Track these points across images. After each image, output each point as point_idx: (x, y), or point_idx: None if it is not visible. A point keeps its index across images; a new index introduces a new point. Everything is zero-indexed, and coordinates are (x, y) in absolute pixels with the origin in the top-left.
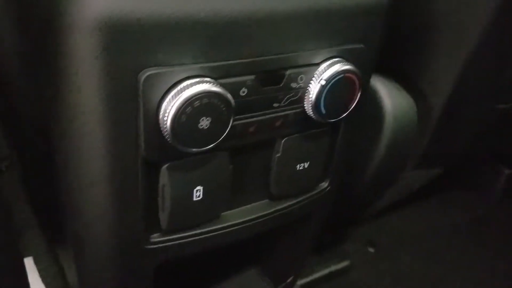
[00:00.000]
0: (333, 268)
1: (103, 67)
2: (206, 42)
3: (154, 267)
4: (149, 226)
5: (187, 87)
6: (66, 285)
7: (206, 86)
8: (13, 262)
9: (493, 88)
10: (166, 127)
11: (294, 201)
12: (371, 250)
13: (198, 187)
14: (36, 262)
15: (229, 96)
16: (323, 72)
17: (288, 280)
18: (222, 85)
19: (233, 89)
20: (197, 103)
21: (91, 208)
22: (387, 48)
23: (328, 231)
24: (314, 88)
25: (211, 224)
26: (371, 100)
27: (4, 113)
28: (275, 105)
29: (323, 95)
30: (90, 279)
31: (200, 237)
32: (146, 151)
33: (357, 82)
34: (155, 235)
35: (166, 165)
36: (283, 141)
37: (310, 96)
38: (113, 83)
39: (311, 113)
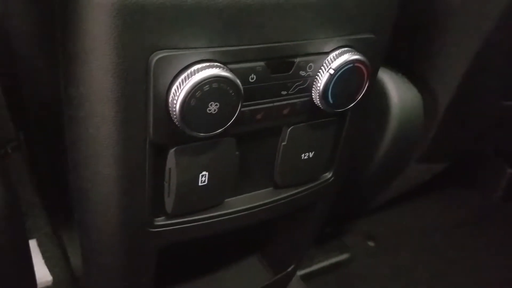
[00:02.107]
0: (333, 260)
1: (115, 48)
2: (218, 26)
3: (158, 250)
4: (154, 209)
5: (198, 71)
6: (69, 268)
7: (216, 70)
8: (18, 244)
9: (501, 84)
10: (175, 110)
11: (298, 191)
12: (371, 244)
13: (204, 172)
14: (40, 244)
15: (238, 81)
16: (332, 61)
17: (288, 269)
18: (231, 71)
19: (243, 75)
20: (206, 87)
21: (98, 189)
22: (395, 40)
23: (328, 224)
24: (322, 77)
25: (215, 210)
26: (378, 92)
27: (12, 95)
28: (283, 92)
29: (331, 84)
30: (94, 260)
31: (204, 222)
32: (154, 134)
33: (365, 72)
34: (160, 218)
35: (173, 149)
36: (289, 129)
37: (319, 84)
38: (125, 64)
39: (319, 102)
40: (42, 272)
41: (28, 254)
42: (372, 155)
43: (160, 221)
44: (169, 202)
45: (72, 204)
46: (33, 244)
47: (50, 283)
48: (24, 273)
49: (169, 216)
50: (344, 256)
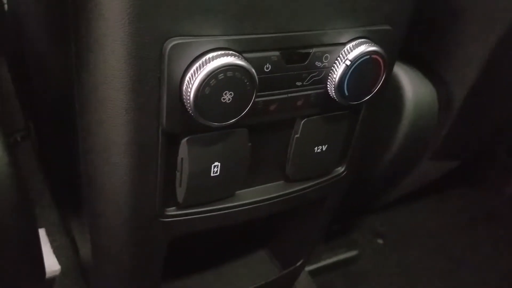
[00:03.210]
0: (342, 256)
1: (129, 35)
2: (234, 14)
3: (168, 240)
4: (166, 199)
5: (212, 59)
6: (78, 257)
7: (231, 59)
8: (28, 233)
9: None
10: (189, 98)
11: (309, 184)
12: (380, 241)
13: (216, 163)
14: (48, 234)
15: (253, 70)
16: (349, 52)
17: (297, 264)
18: (246, 59)
19: (258, 64)
20: (221, 76)
21: (109, 178)
22: (411, 33)
23: (337, 220)
24: (338, 68)
25: (226, 201)
26: (392, 87)
27: (21, 84)
28: (298, 83)
29: (347, 76)
30: (103, 250)
31: (215, 213)
32: (167, 123)
33: (382, 64)
34: (171, 208)
35: (186, 139)
36: (302, 121)
37: (334, 76)
38: (138, 51)
39: (334, 94)
40: (50, 261)
41: (37, 243)
42: (385, 150)
43: (171, 211)
44: (180, 192)
45: (82, 193)
46: (41, 233)
47: (58, 272)
48: (34, 261)
49: (180, 207)
50: (352, 253)
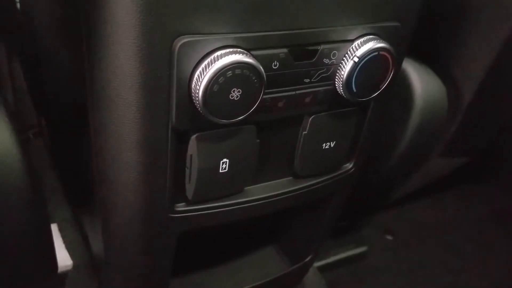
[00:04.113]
0: (350, 252)
1: (139, 33)
2: (242, 12)
3: (178, 236)
4: (175, 195)
5: (221, 56)
6: (90, 253)
7: (239, 56)
8: (41, 228)
9: None
10: (197, 96)
11: (318, 181)
12: (389, 238)
13: (225, 159)
14: (61, 229)
15: (261, 68)
16: (357, 49)
17: (306, 260)
18: (255, 57)
19: (266, 61)
20: (229, 73)
21: (120, 174)
22: (420, 30)
23: (346, 217)
24: (346, 65)
25: (235, 197)
26: (401, 83)
27: (33, 81)
28: (306, 80)
29: (355, 72)
30: (115, 245)
31: (224, 209)
32: (176, 120)
33: (390, 61)
34: (181, 204)
35: (195, 135)
36: (310, 118)
37: (342, 73)
38: (148, 49)
39: (342, 91)
40: (62, 256)
41: (50, 238)
42: (393, 147)
43: (180, 207)
44: (190, 188)
45: (94, 189)
46: (54, 228)
47: (70, 267)
48: (46, 256)
49: (189, 202)
50: (361, 249)
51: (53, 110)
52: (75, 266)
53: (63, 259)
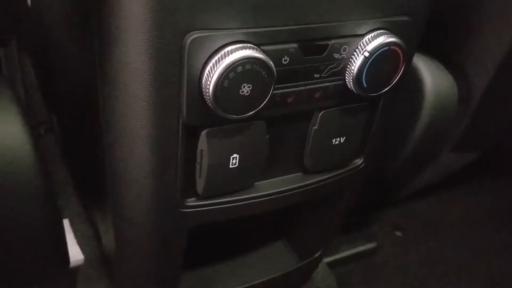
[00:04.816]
0: (360, 248)
1: (150, 28)
2: (252, 7)
3: (188, 230)
4: (186, 190)
5: (231, 52)
6: (101, 248)
7: (249, 52)
8: (53, 223)
9: None
10: (208, 91)
11: (327, 176)
12: (399, 234)
13: (235, 155)
14: (72, 224)
15: (271, 63)
16: (367, 44)
17: (315, 255)
18: (265, 52)
19: (276, 56)
20: (240, 69)
21: (131, 169)
22: (431, 25)
23: (356, 213)
24: (357, 60)
25: (245, 193)
26: (412, 78)
27: (44, 77)
28: (316, 75)
29: (366, 67)
30: (126, 239)
31: (234, 204)
32: (187, 115)
33: (401, 55)
34: (191, 199)
35: (205, 131)
36: (320, 113)
37: (352, 68)
38: (159, 45)
39: (352, 86)
40: (74, 251)
41: (62, 233)
42: (404, 142)
43: (191, 202)
44: (200, 183)
45: (105, 184)
46: (65, 223)
47: (81, 262)
48: (58, 251)
49: (200, 197)
50: (371, 245)
51: (64, 106)
52: (86, 260)
53: (75, 254)
